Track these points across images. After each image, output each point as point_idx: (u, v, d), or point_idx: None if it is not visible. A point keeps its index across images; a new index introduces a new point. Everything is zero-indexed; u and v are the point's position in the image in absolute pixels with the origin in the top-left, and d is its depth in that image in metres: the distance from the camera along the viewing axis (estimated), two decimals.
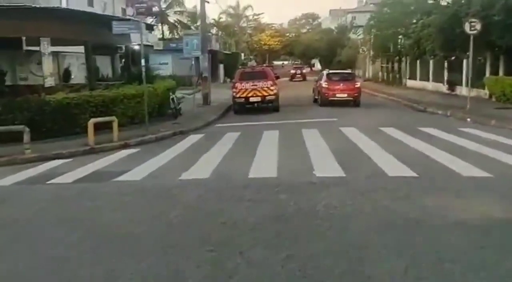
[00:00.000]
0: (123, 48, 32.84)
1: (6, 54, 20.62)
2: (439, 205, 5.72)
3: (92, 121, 11.65)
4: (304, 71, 49.33)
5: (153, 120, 15.82)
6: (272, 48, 76.84)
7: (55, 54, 23.58)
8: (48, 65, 13.61)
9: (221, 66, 44.14)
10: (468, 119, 14.49)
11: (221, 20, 67.28)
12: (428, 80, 28.78)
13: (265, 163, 8.44)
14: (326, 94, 19.80)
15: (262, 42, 75.34)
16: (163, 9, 46.93)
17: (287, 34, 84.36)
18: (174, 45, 35.84)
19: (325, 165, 8.09)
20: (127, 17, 12.99)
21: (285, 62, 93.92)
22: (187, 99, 26.05)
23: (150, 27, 19.74)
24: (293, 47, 76.53)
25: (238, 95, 18.76)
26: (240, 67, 22.82)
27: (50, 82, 13.55)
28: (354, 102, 19.72)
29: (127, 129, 13.91)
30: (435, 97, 22.71)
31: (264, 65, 53.36)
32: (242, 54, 64.36)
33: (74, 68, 25.79)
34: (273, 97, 18.69)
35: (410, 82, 32.48)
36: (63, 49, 23.55)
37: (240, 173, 7.75)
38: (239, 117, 18.22)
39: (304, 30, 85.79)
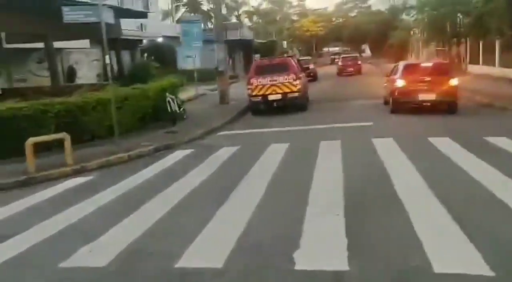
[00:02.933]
0: (143, 41, 30.36)
1: None
2: None
3: (31, 141, 8.76)
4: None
5: (146, 128, 13.11)
6: (315, 34, 71.73)
7: (58, 51, 21.30)
8: None
9: (257, 57, 40.80)
10: None
11: (262, 7, 63.54)
12: (494, 65, 24.13)
13: (224, 228, 5.04)
14: (341, 70, 35.02)
15: (304, 28, 70.37)
16: None
17: (333, 19, 79.00)
18: None
19: (322, 238, 4.58)
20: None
21: (334, 49, 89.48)
22: (208, 96, 23.10)
23: (137, 15, 16.51)
24: (340, 32, 71.55)
25: (254, 93, 15.49)
26: (255, 59, 19.39)
27: None
28: (357, 73, 34.02)
29: (101, 144, 11.08)
30: (504, 86, 18.46)
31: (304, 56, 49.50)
32: (284, 42, 60.39)
33: (84, 66, 23.37)
34: (296, 94, 15.24)
35: (471, 68, 27.85)
36: (67, 45, 21.15)
37: (168, 253, 4.44)
38: (255, 119, 15.16)
39: (353, 14, 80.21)
